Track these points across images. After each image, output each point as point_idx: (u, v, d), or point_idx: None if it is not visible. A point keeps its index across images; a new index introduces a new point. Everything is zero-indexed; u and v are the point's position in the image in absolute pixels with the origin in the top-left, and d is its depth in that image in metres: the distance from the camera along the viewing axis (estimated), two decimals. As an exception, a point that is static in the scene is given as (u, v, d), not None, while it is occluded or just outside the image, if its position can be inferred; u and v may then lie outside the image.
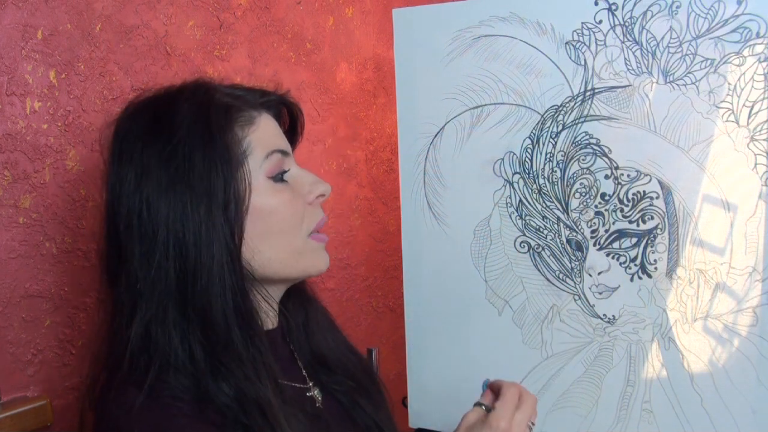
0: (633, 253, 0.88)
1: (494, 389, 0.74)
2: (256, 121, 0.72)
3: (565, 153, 0.90)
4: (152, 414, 0.62)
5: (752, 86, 0.80)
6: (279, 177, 0.72)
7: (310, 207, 0.75)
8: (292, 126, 0.82)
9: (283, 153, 0.73)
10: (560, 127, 0.90)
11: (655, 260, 0.87)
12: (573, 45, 0.87)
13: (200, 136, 0.67)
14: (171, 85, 0.73)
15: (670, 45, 0.83)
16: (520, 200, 0.93)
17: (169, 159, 0.66)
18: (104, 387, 0.67)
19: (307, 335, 0.84)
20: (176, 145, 0.66)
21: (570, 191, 0.90)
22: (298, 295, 0.84)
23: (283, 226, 0.71)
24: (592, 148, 0.89)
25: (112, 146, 0.70)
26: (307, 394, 0.79)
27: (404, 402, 1.08)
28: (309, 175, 0.76)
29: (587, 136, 0.89)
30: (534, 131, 0.91)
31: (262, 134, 0.72)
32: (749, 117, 0.81)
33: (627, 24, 0.85)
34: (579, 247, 0.91)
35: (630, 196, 0.88)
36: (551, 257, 0.93)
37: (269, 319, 0.76)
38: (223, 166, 0.67)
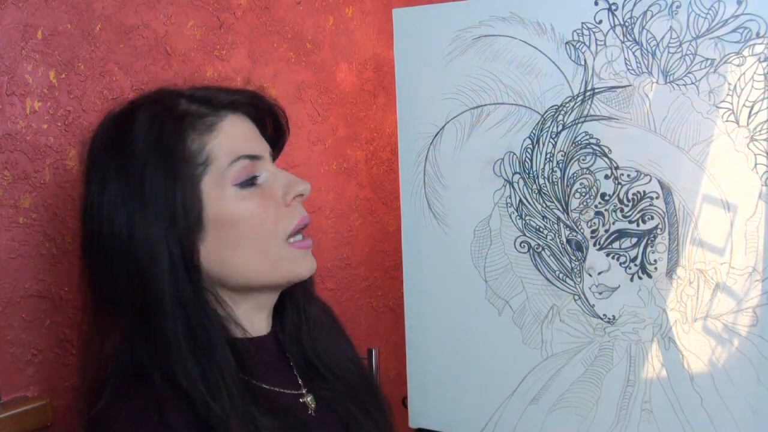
0: (633, 253, 0.88)
1: None
2: (217, 128, 0.69)
3: (565, 153, 0.90)
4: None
5: (752, 86, 0.80)
6: (247, 183, 0.69)
7: (287, 209, 0.71)
8: (274, 124, 0.78)
9: (252, 157, 0.70)
10: (560, 127, 0.90)
11: (655, 260, 0.87)
12: (573, 45, 0.87)
13: (152, 148, 0.66)
14: (139, 96, 0.72)
15: (670, 45, 0.83)
16: (520, 200, 0.93)
17: (124, 173, 0.66)
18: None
19: (300, 339, 0.81)
20: (130, 158, 0.66)
21: (570, 191, 0.90)
22: (295, 296, 0.81)
23: (253, 234, 0.69)
24: (592, 148, 0.89)
25: (86, 159, 0.70)
26: (300, 400, 0.78)
27: (404, 402, 1.08)
28: (284, 176, 0.72)
29: (587, 136, 0.89)
30: (534, 131, 0.91)
31: (225, 140, 0.69)
32: (749, 117, 0.81)
33: (627, 24, 0.85)
34: (579, 247, 0.91)
35: (630, 196, 0.88)
36: (551, 257, 0.93)
37: (253, 326, 0.74)
38: (171, 179, 0.65)
